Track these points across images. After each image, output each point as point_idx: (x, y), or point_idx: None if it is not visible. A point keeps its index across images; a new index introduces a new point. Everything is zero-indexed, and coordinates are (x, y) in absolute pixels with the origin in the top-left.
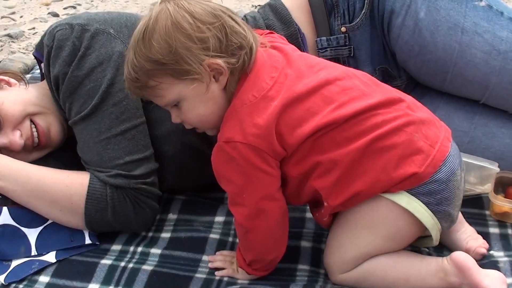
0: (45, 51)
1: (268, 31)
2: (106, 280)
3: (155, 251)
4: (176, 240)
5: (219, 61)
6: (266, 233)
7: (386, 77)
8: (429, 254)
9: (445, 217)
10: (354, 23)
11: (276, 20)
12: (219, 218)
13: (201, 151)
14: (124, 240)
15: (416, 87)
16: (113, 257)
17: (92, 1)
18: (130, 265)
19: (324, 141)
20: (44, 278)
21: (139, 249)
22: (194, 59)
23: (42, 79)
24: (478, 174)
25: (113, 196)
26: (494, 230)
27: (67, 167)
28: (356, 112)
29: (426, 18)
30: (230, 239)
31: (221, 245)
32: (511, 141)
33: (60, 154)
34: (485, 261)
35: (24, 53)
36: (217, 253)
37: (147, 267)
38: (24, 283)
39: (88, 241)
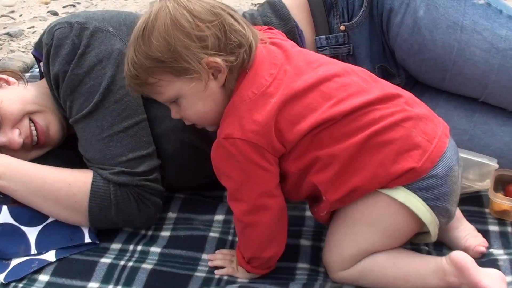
0: (44, 50)
1: (267, 27)
2: (105, 279)
3: (155, 249)
4: (175, 238)
5: (218, 60)
6: (265, 228)
7: (385, 76)
8: (428, 252)
9: (443, 212)
10: (353, 21)
11: (274, 17)
12: (219, 217)
13: (200, 149)
14: (124, 239)
15: (415, 85)
16: (113, 256)
17: (91, 0)
18: (130, 263)
19: (322, 137)
20: (43, 277)
21: (139, 247)
22: (193, 57)
23: (41, 77)
24: (477, 170)
25: (117, 193)
26: (493, 228)
27: (66, 165)
28: (354, 108)
29: (425, 16)
30: (230, 237)
31: (220, 244)
32: (511, 139)
33: (59, 152)
34: (485, 260)
35: (23, 51)
36: (216, 251)
37: (147, 266)
38: (24, 282)
39: (87, 240)
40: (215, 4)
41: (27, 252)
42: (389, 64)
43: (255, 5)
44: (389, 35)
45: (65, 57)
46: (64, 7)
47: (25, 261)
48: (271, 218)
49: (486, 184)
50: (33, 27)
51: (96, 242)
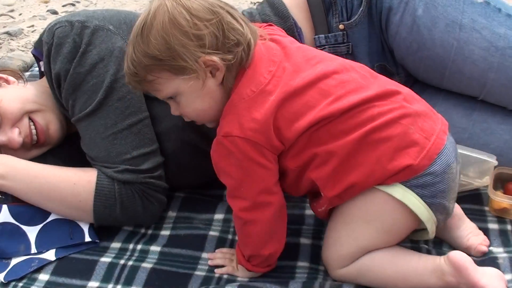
0: (44, 49)
1: (267, 23)
2: (105, 278)
3: (155, 248)
4: (175, 237)
5: (215, 58)
6: (264, 225)
7: (384, 74)
8: (428, 251)
9: (440, 209)
10: (352, 20)
11: (273, 15)
12: (219, 216)
13: (200, 148)
14: (124, 238)
15: (414, 83)
16: (113, 255)
17: None
18: (130, 262)
19: (321, 134)
20: (43, 276)
21: (139, 246)
22: (190, 56)
23: (41, 76)
24: (476, 167)
25: (121, 192)
26: (493, 226)
27: (66, 164)
28: (352, 105)
29: (424, 15)
30: (230, 236)
31: (220, 243)
32: (510, 137)
33: (59, 151)
34: (484, 258)
35: (23, 50)
36: (216, 250)
37: (147, 265)
38: (24, 281)
39: (87, 238)
40: (214, 2)
41: (27, 251)
42: (388, 62)
43: (255, 3)
44: (388, 34)
45: (66, 56)
46: (63, 6)
47: (25, 260)
48: (270, 215)
49: (485, 181)
50: (32, 26)
51: (96, 241)
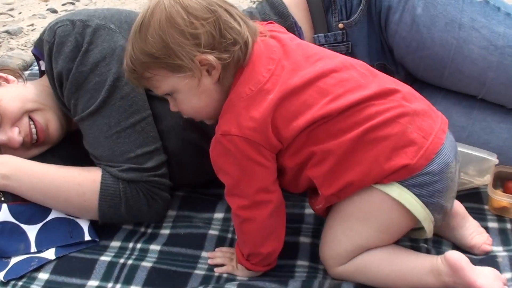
0: (45, 48)
1: (267, 22)
2: (105, 277)
3: (154, 247)
4: (175, 236)
5: (210, 58)
6: (262, 223)
7: (384, 73)
8: (427, 250)
9: (437, 209)
10: (351, 19)
11: (273, 14)
12: (218, 215)
13: (201, 147)
14: (123, 237)
15: (414, 82)
16: (112, 254)
17: None
18: (130, 261)
19: (319, 132)
20: (43, 275)
21: (138, 245)
22: (186, 54)
23: (40, 75)
24: (476, 165)
25: (126, 191)
26: (493, 224)
27: (66, 163)
28: (350, 104)
29: (423, 14)
30: (229, 235)
31: (220, 242)
32: (510, 136)
33: (58, 150)
34: (484, 256)
35: (22, 49)
36: (216, 249)
37: (146, 264)
38: (24, 280)
39: (87, 237)
40: (212, 1)
41: (26, 250)
42: (387, 61)
43: (254, 2)
44: (387, 33)
45: (68, 55)
46: (63, 4)
47: (24, 259)
48: (269, 213)
49: (486, 180)
50: (32, 25)
51: (96, 239)
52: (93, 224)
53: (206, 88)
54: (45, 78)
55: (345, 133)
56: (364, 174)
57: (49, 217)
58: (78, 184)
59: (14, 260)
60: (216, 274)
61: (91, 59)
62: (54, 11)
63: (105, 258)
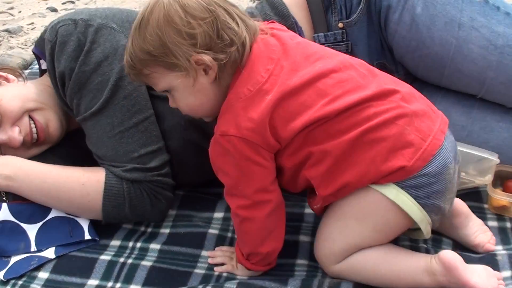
0: (47, 47)
1: (268, 21)
2: (105, 276)
3: (154, 246)
4: (175, 235)
5: (205, 58)
6: (261, 223)
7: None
8: (427, 249)
9: (435, 210)
10: (351, 19)
11: (273, 14)
12: (218, 214)
13: (202, 147)
14: (123, 236)
15: (413, 82)
16: (112, 253)
17: None
18: (129, 260)
19: (317, 133)
20: (43, 274)
21: (138, 244)
22: (182, 54)
23: (41, 75)
24: (477, 165)
25: (130, 191)
26: (492, 223)
27: (66, 162)
28: (348, 106)
29: (423, 13)
30: (229, 234)
31: (220, 241)
32: (509, 135)
33: (58, 149)
34: (483, 255)
35: (22, 48)
36: (216, 248)
37: (146, 263)
38: (24, 279)
39: (87, 236)
40: (210, 0)
41: (26, 249)
42: (387, 61)
43: (254, 1)
44: (387, 32)
45: (71, 54)
46: (63, 3)
47: (24, 258)
48: (268, 212)
49: (487, 179)
50: (32, 23)
51: (96, 238)
52: (93, 223)
53: (202, 87)
54: (45, 77)
55: (343, 134)
56: (361, 175)
57: (49, 216)
58: (82, 184)
59: (14, 259)
60: (216, 273)
61: (94, 59)
62: (54, 10)
63: (105, 257)
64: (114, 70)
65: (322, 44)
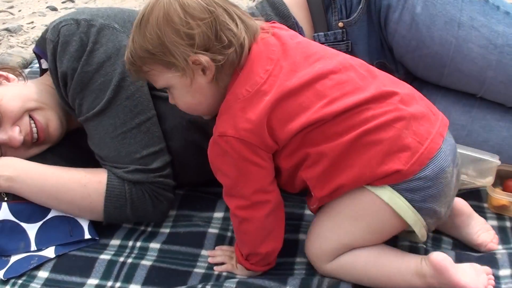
0: (49, 47)
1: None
2: (105, 275)
3: (154, 245)
4: (175, 235)
5: (202, 58)
6: (260, 223)
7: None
8: (426, 249)
9: (430, 214)
10: (351, 18)
11: (274, 14)
12: (218, 214)
13: (203, 148)
14: (123, 235)
15: (413, 81)
16: (112, 252)
17: None
18: (129, 260)
19: (314, 135)
20: (43, 274)
21: (138, 243)
22: (180, 54)
23: (41, 74)
24: (477, 167)
25: (132, 192)
26: (492, 223)
27: (66, 162)
28: (346, 108)
29: (422, 13)
30: (229, 234)
31: (220, 240)
32: (509, 134)
33: (58, 149)
34: (483, 254)
35: (22, 47)
36: (216, 248)
37: (146, 262)
38: (23, 278)
39: (87, 236)
40: (210, 1)
41: (26, 249)
42: (387, 60)
43: (254, 0)
44: (387, 32)
45: (73, 54)
46: (63, 2)
47: (24, 258)
48: (267, 213)
49: (488, 181)
50: (32, 22)
51: (96, 238)
52: (93, 223)
53: (200, 87)
54: (46, 77)
55: (341, 136)
56: (356, 177)
57: (49, 216)
58: (83, 185)
59: (14, 258)
60: (216, 272)
61: (96, 59)
62: (54, 9)
63: (105, 256)
64: (116, 71)
65: (322, 43)
